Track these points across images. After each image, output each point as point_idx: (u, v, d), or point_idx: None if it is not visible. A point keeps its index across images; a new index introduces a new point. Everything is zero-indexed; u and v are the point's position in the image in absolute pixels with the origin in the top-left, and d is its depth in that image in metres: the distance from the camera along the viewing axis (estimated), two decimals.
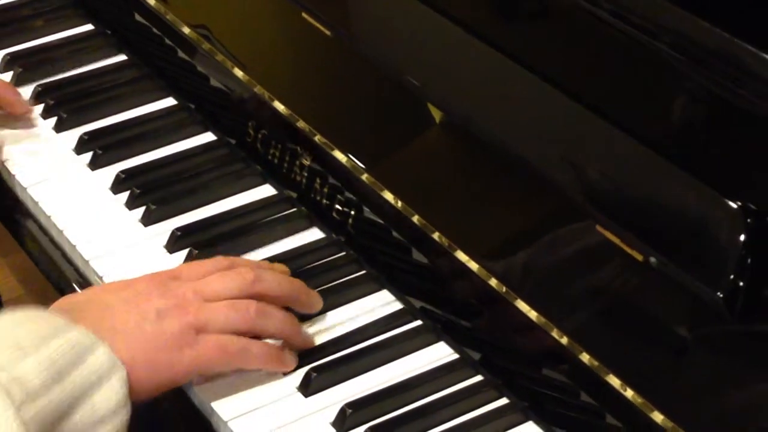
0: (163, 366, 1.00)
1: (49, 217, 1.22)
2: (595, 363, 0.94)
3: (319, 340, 1.08)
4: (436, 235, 1.05)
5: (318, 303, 1.09)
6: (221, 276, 1.06)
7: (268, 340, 1.06)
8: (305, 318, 1.10)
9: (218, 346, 1.01)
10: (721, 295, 0.88)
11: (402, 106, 1.15)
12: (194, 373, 1.03)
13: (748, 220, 0.88)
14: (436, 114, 1.11)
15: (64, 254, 1.22)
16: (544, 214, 1.03)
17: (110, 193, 1.24)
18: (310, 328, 1.09)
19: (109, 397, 0.95)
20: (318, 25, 1.20)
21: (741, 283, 0.88)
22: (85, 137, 1.30)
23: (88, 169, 1.27)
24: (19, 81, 1.40)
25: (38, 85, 1.39)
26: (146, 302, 1.02)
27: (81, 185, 1.25)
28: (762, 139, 0.92)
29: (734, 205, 0.89)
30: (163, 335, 1.00)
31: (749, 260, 0.88)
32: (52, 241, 1.23)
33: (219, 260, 1.09)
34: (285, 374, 1.06)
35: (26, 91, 1.39)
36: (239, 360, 1.03)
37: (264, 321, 1.04)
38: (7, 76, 1.41)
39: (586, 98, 1.00)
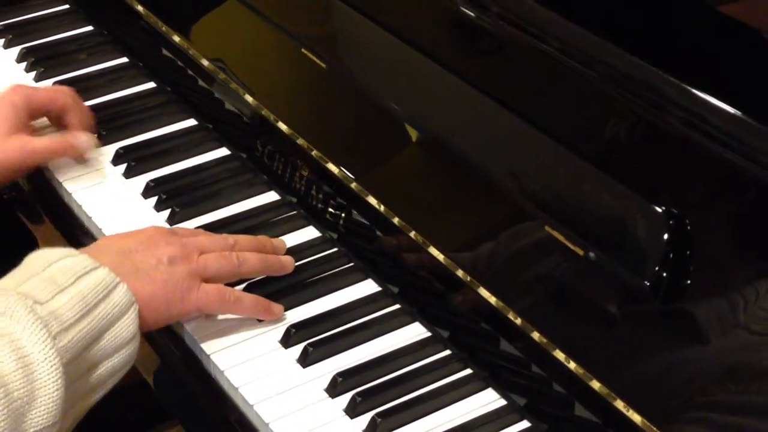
0: (174, 304, 1.02)
1: (90, 217, 1.22)
2: (544, 340, 0.94)
3: (314, 320, 1.08)
4: (412, 234, 1.05)
5: (290, 265, 1.11)
6: (204, 235, 1.09)
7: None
8: (307, 297, 1.10)
9: (218, 293, 1.04)
10: (648, 283, 0.89)
11: (384, 126, 1.14)
12: (196, 313, 1.05)
13: (671, 222, 0.89)
14: (413, 133, 1.11)
15: None
16: (503, 217, 1.03)
17: (141, 198, 1.24)
18: (307, 310, 1.09)
19: (128, 327, 0.96)
20: (315, 59, 1.20)
21: (664, 273, 0.89)
22: (121, 151, 1.30)
23: (123, 178, 1.27)
24: None
25: None
26: (158, 248, 1.03)
27: (117, 191, 1.25)
28: (681, 155, 0.93)
29: (659, 210, 0.90)
30: (174, 278, 1.01)
31: (671, 255, 0.89)
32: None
33: (200, 230, 1.14)
34: (284, 345, 1.05)
35: None
36: (234, 307, 1.06)
37: (245, 266, 1.07)
38: None
39: (539, 121, 1.00)
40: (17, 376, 0.86)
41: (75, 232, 1.25)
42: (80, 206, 1.24)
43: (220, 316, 1.08)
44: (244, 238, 1.11)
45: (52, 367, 0.88)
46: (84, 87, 1.42)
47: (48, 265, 0.95)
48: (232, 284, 1.08)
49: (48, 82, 1.44)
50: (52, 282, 0.93)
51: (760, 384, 0.84)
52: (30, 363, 0.88)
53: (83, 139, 1.23)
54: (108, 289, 0.95)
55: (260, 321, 1.08)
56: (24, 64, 1.48)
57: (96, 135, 1.29)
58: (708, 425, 0.86)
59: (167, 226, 1.20)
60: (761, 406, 0.84)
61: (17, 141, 1.19)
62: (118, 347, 0.96)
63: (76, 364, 0.92)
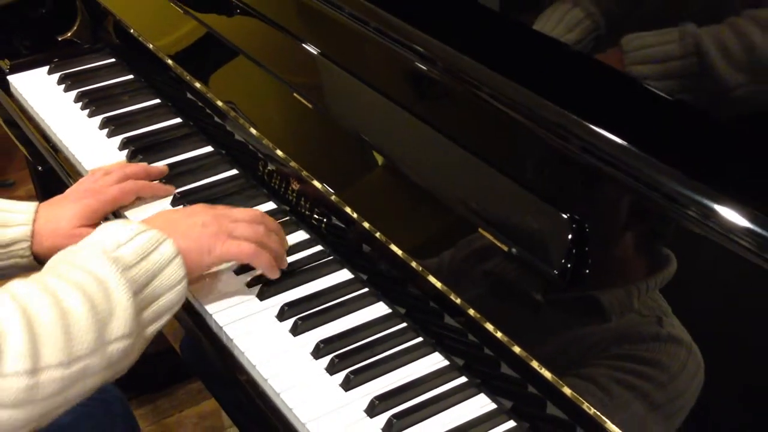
0: (204, 255, 1.03)
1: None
2: (478, 315, 0.93)
3: (303, 299, 1.07)
4: (378, 235, 1.05)
5: (284, 262, 1.10)
6: (241, 210, 1.10)
7: None
8: (298, 283, 1.09)
9: (239, 248, 1.05)
10: (556, 272, 0.90)
11: (357, 152, 1.14)
12: (222, 261, 1.06)
13: (573, 225, 0.90)
14: (379, 158, 1.11)
15: None
16: (447, 221, 1.03)
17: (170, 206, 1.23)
18: (298, 293, 1.08)
19: (175, 272, 0.98)
20: (304, 101, 1.20)
21: (569, 265, 0.89)
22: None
23: None
24: (111, 134, 1.39)
25: (124, 137, 1.37)
26: (196, 216, 1.05)
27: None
28: (582, 174, 0.93)
29: (565, 216, 0.90)
30: (204, 236, 1.03)
31: (574, 250, 0.89)
32: None
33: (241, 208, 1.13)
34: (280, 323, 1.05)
35: (116, 141, 1.37)
36: (251, 258, 1.06)
37: (267, 238, 1.07)
38: (105, 131, 1.40)
39: (476, 150, 1.00)
40: (100, 296, 0.90)
41: None
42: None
43: (233, 298, 1.07)
44: (271, 219, 1.12)
45: (123, 289, 0.92)
46: (126, 121, 1.42)
47: (112, 231, 0.98)
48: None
49: (98, 119, 1.43)
50: (116, 240, 0.96)
51: (644, 347, 0.85)
52: (108, 287, 0.91)
53: None
54: (158, 243, 0.97)
55: (262, 301, 1.07)
56: (80, 104, 1.48)
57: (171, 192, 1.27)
58: (601, 377, 0.86)
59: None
60: (643, 361, 0.84)
61: (80, 233, 1.13)
62: (171, 286, 0.97)
63: (141, 297, 0.94)
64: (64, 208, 1.16)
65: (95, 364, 0.89)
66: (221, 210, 1.08)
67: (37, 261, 1.14)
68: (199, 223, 1.03)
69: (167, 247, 0.97)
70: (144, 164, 1.29)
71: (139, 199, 1.24)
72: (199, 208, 1.08)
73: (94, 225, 1.16)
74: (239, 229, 1.05)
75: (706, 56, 0.86)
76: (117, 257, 0.93)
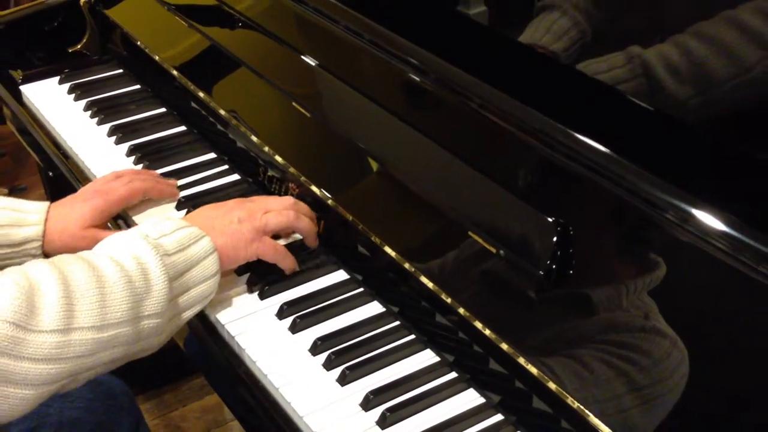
0: (240, 250, 1.05)
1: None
2: (468, 314, 0.94)
3: (302, 298, 1.07)
4: (372, 237, 1.04)
5: (315, 240, 1.13)
6: (273, 199, 1.11)
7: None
8: (297, 283, 1.09)
9: (271, 246, 1.07)
10: (542, 273, 0.90)
11: (352, 159, 1.14)
12: (256, 257, 1.07)
13: (558, 229, 0.90)
14: (374, 164, 1.11)
15: None
16: (439, 225, 1.03)
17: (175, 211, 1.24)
18: (298, 290, 1.08)
19: (211, 265, 1.00)
20: (302, 110, 1.20)
21: (553, 266, 0.89)
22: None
23: None
24: (119, 141, 1.39)
25: (131, 144, 1.37)
26: (232, 212, 1.06)
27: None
28: (567, 181, 0.93)
29: (550, 220, 0.91)
30: (240, 233, 1.05)
31: (558, 252, 0.89)
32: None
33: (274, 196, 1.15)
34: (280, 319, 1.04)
35: (123, 148, 1.37)
36: (279, 258, 1.08)
37: (297, 221, 1.10)
38: (113, 139, 1.40)
39: (467, 157, 1.00)
40: (138, 274, 0.92)
41: None
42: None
43: (235, 297, 1.07)
44: (302, 203, 1.13)
45: (160, 271, 0.94)
46: (133, 129, 1.42)
47: (155, 223, 1.00)
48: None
49: (106, 127, 1.43)
50: (161, 231, 0.98)
51: (628, 343, 0.85)
52: (146, 267, 0.93)
53: None
54: (197, 238, 1.00)
55: (262, 300, 1.07)
56: (89, 112, 1.47)
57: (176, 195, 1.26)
58: (585, 372, 0.86)
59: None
60: (626, 358, 0.85)
61: (89, 234, 1.15)
62: (205, 278, 1.00)
63: (177, 283, 0.96)
64: (74, 208, 1.16)
65: (126, 334, 0.90)
66: (255, 203, 1.09)
67: None
68: (235, 220, 1.05)
69: (205, 242, 1.00)
70: (155, 172, 1.29)
71: (144, 203, 1.23)
72: (234, 203, 1.09)
73: (103, 226, 1.17)
74: (272, 219, 1.07)
75: (654, 75, 0.87)
76: (158, 244, 0.96)
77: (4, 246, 1.10)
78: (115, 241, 0.97)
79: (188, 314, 0.99)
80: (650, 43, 0.91)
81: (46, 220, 1.13)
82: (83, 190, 1.20)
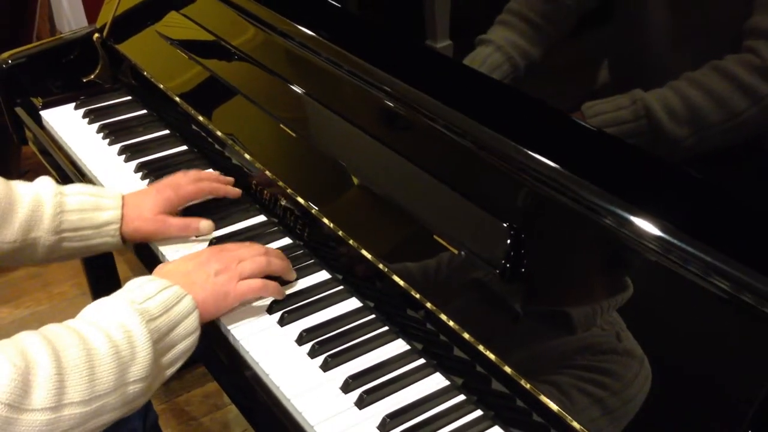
0: (220, 301, 1.00)
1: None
2: (434, 308, 0.94)
3: (288, 295, 1.07)
4: (351, 241, 1.04)
5: (292, 275, 1.09)
6: (245, 248, 1.06)
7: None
8: (283, 282, 1.08)
9: (249, 287, 1.02)
10: (497, 270, 0.90)
11: (333, 173, 1.14)
12: (236, 303, 1.02)
13: (511, 232, 0.90)
14: (352, 178, 1.11)
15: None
16: (409, 230, 1.02)
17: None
18: (285, 289, 1.08)
19: (193, 322, 0.95)
20: (289, 131, 1.20)
21: (507, 264, 0.90)
22: None
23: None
24: (128, 159, 1.39)
25: (139, 162, 1.37)
26: (208, 265, 1.01)
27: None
28: (519, 191, 0.93)
29: (504, 225, 0.91)
30: (219, 285, 1.00)
31: (511, 252, 0.89)
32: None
33: (245, 243, 1.09)
34: (270, 312, 1.04)
35: (132, 165, 1.36)
36: (261, 292, 1.03)
37: (270, 266, 1.05)
38: (123, 157, 1.39)
39: (435, 172, 1.00)
40: (124, 343, 0.87)
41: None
42: None
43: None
44: (273, 249, 1.10)
45: (145, 338, 0.89)
46: (141, 149, 1.42)
47: (140, 285, 0.96)
48: None
49: (117, 147, 1.42)
50: (145, 294, 0.93)
51: (600, 357, 0.83)
52: (132, 335, 0.88)
53: (204, 224, 1.18)
54: (180, 298, 0.95)
55: (271, 314, 1.05)
56: (101, 134, 1.47)
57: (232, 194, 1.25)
58: (537, 354, 0.86)
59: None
60: (599, 369, 0.83)
61: (160, 218, 1.15)
62: (187, 335, 0.95)
63: (161, 345, 0.91)
64: (147, 196, 1.17)
65: (112, 402, 0.85)
66: (228, 252, 1.04)
67: (123, 241, 1.15)
68: (212, 273, 1.00)
69: (187, 301, 0.95)
70: (216, 172, 1.28)
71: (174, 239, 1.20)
72: (209, 254, 1.03)
73: (173, 213, 1.17)
74: (246, 267, 1.02)
75: (654, 117, 0.86)
76: (144, 309, 0.91)
77: (87, 228, 1.11)
78: (103, 307, 0.91)
79: (170, 371, 0.94)
80: (582, 74, 0.91)
81: (123, 205, 1.13)
82: (156, 184, 1.20)
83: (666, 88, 0.85)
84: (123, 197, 1.15)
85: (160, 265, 1.04)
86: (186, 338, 0.95)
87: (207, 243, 1.18)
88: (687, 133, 0.84)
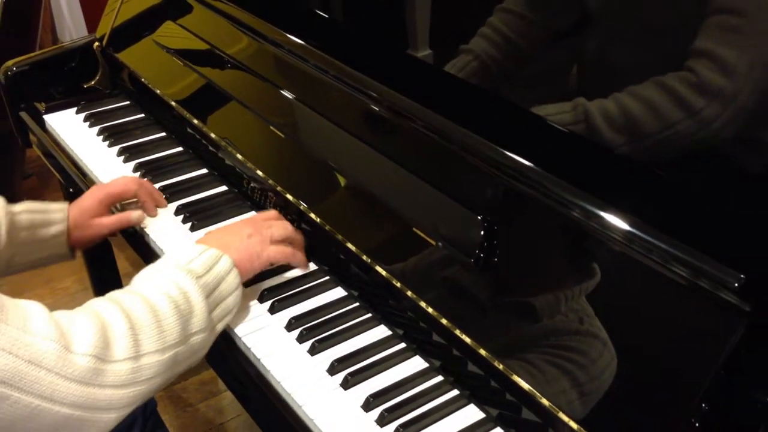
0: (253, 261, 1.03)
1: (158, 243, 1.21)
2: (414, 296, 0.94)
3: (279, 285, 1.07)
4: (337, 236, 1.05)
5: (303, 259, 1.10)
6: (273, 217, 1.10)
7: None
8: (274, 272, 1.08)
9: (282, 251, 1.05)
10: (472, 260, 0.90)
11: (321, 172, 1.14)
12: (267, 264, 1.05)
13: (485, 224, 0.91)
14: (342, 179, 1.11)
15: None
16: (390, 224, 1.02)
17: (179, 222, 1.23)
18: (275, 279, 1.08)
19: (233, 280, 0.98)
20: (278, 132, 1.21)
21: (481, 254, 0.90)
22: (162, 188, 1.29)
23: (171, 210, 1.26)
24: (127, 160, 1.39)
25: (137, 162, 1.37)
26: (241, 230, 1.04)
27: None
28: (493, 187, 0.93)
29: (478, 217, 0.91)
30: (251, 246, 1.03)
31: (484, 243, 0.90)
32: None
33: (271, 212, 1.13)
34: (261, 302, 1.04)
35: (130, 165, 1.37)
36: (289, 259, 1.07)
37: (295, 234, 1.09)
38: (122, 158, 1.39)
39: (416, 170, 1.00)
40: (181, 299, 0.91)
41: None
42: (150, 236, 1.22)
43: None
44: (294, 229, 1.12)
45: (198, 293, 0.92)
46: (139, 150, 1.42)
47: (182, 251, 0.98)
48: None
49: (116, 148, 1.42)
50: (188, 257, 0.96)
51: (566, 337, 0.84)
52: (186, 292, 0.92)
53: (135, 215, 1.21)
54: (219, 258, 0.97)
55: (262, 303, 1.05)
56: (101, 137, 1.47)
57: (162, 205, 1.26)
58: (510, 338, 0.87)
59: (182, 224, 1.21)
60: (567, 347, 0.84)
61: (95, 222, 1.18)
62: (231, 291, 0.97)
63: (211, 299, 0.94)
64: (83, 203, 1.18)
65: (182, 351, 0.89)
66: (258, 220, 1.08)
67: (72, 250, 1.17)
68: (245, 236, 1.03)
69: (225, 261, 0.97)
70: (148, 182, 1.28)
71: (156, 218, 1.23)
72: (240, 222, 1.07)
73: (109, 212, 1.19)
74: (276, 232, 1.06)
75: (592, 122, 0.87)
76: (190, 269, 0.94)
77: (37, 242, 1.12)
78: (155, 272, 0.94)
79: (221, 326, 0.96)
80: (546, 82, 0.92)
81: (68, 218, 1.15)
82: (95, 191, 1.21)
83: (609, 99, 0.87)
84: (68, 209, 1.16)
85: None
86: (231, 294, 0.97)
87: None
88: (623, 140, 0.85)
